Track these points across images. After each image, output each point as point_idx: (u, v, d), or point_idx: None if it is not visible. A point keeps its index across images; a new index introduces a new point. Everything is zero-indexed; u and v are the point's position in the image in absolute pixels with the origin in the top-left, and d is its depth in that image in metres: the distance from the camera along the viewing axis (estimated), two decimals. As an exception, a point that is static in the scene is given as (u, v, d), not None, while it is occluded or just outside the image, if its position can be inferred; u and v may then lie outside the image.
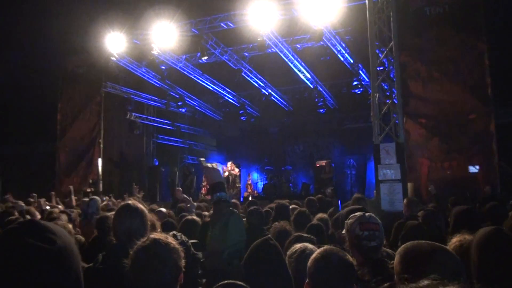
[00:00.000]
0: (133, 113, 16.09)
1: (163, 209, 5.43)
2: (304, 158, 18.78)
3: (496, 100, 9.64)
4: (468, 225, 2.58)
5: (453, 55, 9.64)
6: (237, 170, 15.71)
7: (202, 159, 2.11)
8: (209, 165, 1.98)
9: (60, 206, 5.85)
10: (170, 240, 1.78)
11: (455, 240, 2.19)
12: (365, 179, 15.28)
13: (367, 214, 2.34)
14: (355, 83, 14.42)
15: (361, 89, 14.42)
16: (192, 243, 2.75)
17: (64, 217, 4.17)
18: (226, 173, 15.15)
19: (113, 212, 2.52)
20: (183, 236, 2.61)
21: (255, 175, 17.97)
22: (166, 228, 3.21)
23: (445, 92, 9.66)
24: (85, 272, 1.36)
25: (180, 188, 6.61)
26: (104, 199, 8.94)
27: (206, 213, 5.15)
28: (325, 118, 17.57)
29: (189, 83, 15.92)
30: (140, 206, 2.41)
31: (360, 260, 2.19)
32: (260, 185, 17.47)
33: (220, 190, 1.88)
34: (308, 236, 2.95)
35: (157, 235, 1.78)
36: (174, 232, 2.63)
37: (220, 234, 1.73)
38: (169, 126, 18.56)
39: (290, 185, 16.46)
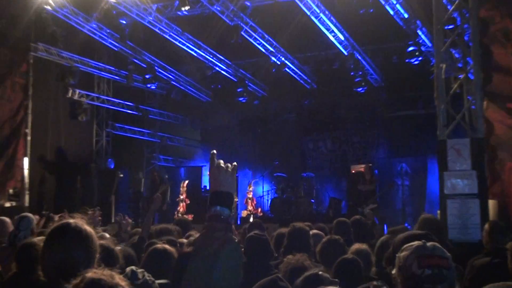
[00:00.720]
0: (78, 90, 16.10)
1: (106, 235, 5.56)
2: (333, 161, 18.85)
3: None
4: None
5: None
6: (231, 177, 15.72)
7: (214, 151, 1.99)
8: (223, 164, 1.91)
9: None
10: (118, 280, 1.76)
11: None
12: (424, 193, 15.27)
13: (429, 243, 2.29)
14: (410, 48, 14.35)
15: (420, 58, 14.35)
16: (160, 284, 2.74)
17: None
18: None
19: (43, 238, 2.54)
20: (146, 274, 2.60)
21: (259, 186, 18.05)
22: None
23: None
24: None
25: (159, 195, 6.54)
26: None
27: (184, 240, 5.15)
28: (365, 101, 17.57)
29: (163, 47, 15.90)
30: (86, 228, 2.41)
31: (420, 314, 2.22)
32: (267, 199, 17.55)
33: (223, 203, 1.88)
34: (329, 279, 2.90)
35: (97, 273, 1.76)
36: (133, 267, 2.60)
37: (203, 267, 1.68)
38: (131, 110, 18.66)
39: (312, 200, 16.52)
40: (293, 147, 19.45)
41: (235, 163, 2.12)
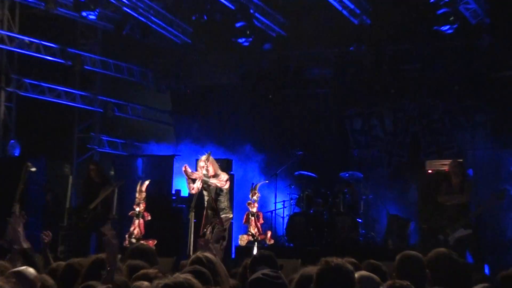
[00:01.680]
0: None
1: (31, 270, 5.73)
2: (395, 152, 18.95)
3: None
4: None
5: None
6: (224, 177, 15.56)
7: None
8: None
9: None
10: None
11: None
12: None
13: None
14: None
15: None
16: None
17: None
18: (197, 185, 15.03)
19: None
20: None
21: (270, 192, 18.01)
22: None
23: None
24: None
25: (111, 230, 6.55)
26: None
27: (146, 284, 5.20)
28: (455, 49, 17.57)
29: None
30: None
31: None
32: (283, 216, 17.57)
33: None
34: None
35: None
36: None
37: None
38: (53, 56, 18.65)
39: (359, 220, 16.58)
40: (328, 126, 19.64)
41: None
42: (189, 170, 14.16)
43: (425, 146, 18.28)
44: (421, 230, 15.22)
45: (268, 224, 17.24)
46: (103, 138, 20.71)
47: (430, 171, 15.77)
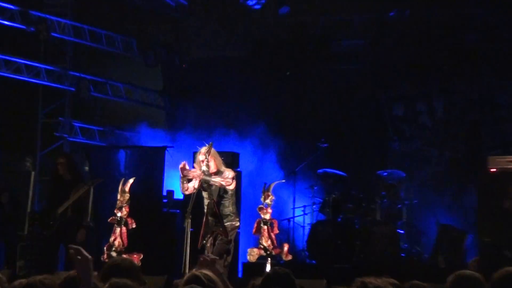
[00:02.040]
0: None
1: None
2: (447, 146, 18.87)
3: None
4: None
5: None
6: (229, 174, 15.39)
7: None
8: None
9: None
10: None
11: None
12: None
13: None
14: None
15: None
16: None
17: None
18: (192, 184, 14.82)
19: None
20: None
21: (288, 195, 18.07)
22: None
23: None
24: None
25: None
26: None
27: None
28: None
29: None
30: None
31: None
32: (303, 226, 17.66)
33: None
34: None
35: None
36: None
37: None
38: (11, 21, 18.64)
39: (401, 231, 16.63)
40: (361, 112, 19.70)
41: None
42: (187, 168, 13.92)
43: (487, 138, 18.21)
44: (481, 244, 15.07)
45: (285, 235, 17.36)
46: (75, 124, 20.61)
47: (493, 170, 15.57)
